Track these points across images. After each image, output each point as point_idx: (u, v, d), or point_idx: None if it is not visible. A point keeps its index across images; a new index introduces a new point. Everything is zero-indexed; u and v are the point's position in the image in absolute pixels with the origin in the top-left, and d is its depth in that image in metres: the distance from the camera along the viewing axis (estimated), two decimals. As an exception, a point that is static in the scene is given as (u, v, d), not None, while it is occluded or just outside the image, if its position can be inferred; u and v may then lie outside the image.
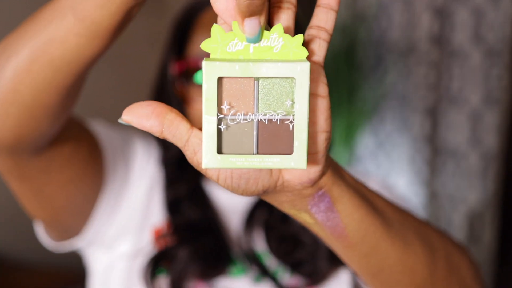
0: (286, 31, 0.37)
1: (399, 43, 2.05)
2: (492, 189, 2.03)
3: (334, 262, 0.75)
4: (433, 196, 2.08)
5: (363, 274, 0.50)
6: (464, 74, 1.99)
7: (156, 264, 0.75)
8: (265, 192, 0.39)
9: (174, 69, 0.80)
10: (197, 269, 0.74)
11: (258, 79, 0.35)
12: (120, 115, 0.36)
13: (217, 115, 0.35)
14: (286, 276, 0.76)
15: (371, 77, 2.10)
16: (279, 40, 0.35)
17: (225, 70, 0.34)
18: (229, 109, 0.35)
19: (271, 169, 0.38)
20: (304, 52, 0.36)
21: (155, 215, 0.80)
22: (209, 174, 0.37)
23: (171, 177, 0.82)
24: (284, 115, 0.36)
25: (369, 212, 0.45)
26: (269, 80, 0.35)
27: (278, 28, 0.35)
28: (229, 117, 0.36)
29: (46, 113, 0.53)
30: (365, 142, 2.15)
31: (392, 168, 2.12)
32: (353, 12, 2.10)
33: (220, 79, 0.35)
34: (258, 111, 0.36)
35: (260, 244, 0.79)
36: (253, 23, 0.34)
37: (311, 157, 0.38)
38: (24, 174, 0.62)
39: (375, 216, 0.46)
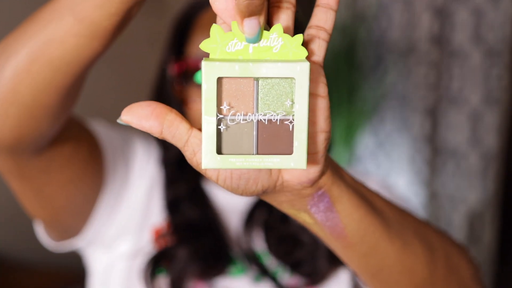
0: (285, 31, 0.37)
1: (399, 43, 2.05)
2: (492, 189, 2.03)
3: (334, 262, 0.75)
4: (433, 196, 2.08)
5: (363, 274, 0.50)
6: (464, 74, 1.99)
7: (156, 264, 0.75)
8: (265, 192, 0.39)
9: (173, 69, 0.80)
10: (196, 269, 0.74)
11: (257, 79, 0.35)
12: (120, 115, 0.36)
13: (217, 116, 0.35)
14: (285, 276, 0.76)
15: (371, 77, 2.10)
16: (279, 40, 0.35)
17: (225, 70, 0.34)
18: (229, 109, 0.35)
19: (270, 169, 0.38)
20: (304, 52, 0.35)
21: (155, 215, 0.80)
22: (209, 174, 0.37)
23: (171, 177, 0.82)
24: (283, 115, 0.36)
25: (369, 212, 0.45)
26: (269, 80, 0.35)
27: (277, 28, 0.35)
28: (228, 118, 0.35)
29: (46, 113, 0.53)
30: (365, 142, 2.15)
31: (392, 168, 2.12)
32: (353, 12, 2.10)
33: (219, 79, 0.35)
34: (257, 111, 0.36)
35: (259, 244, 0.79)
36: (253, 23, 0.34)
37: (311, 157, 0.38)
38: (24, 174, 0.62)
39: (374, 216, 0.46)
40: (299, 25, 0.50)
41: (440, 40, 2.01)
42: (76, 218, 0.74)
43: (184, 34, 0.82)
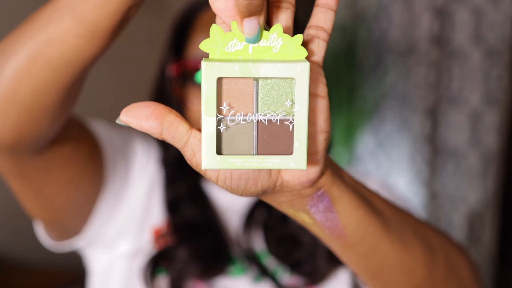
0: (285, 31, 0.37)
1: (399, 43, 2.05)
2: (492, 189, 2.03)
3: (334, 262, 0.75)
4: (433, 196, 2.08)
5: (362, 274, 0.50)
6: (464, 74, 1.99)
7: (156, 264, 0.75)
8: (264, 192, 0.39)
9: (172, 70, 0.80)
10: (196, 269, 0.74)
11: (257, 80, 0.35)
12: (119, 115, 0.36)
13: (217, 116, 0.35)
14: (285, 276, 0.76)
15: (371, 77, 2.10)
16: (278, 40, 0.35)
17: (225, 70, 0.34)
18: (229, 109, 0.35)
19: (270, 170, 0.38)
20: (304, 52, 0.35)
21: (155, 215, 0.80)
22: (209, 175, 0.37)
23: (171, 177, 0.82)
24: (283, 116, 0.36)
25: (368, 212, 0.45)
26: (269, 81, 0.35)
27: (277, 28, 0.35)
28: (228, 118, 0.35)
29: (46, 113, 0.53)
30: (365, 142, 2.15)
31: (392, 168, 2.12)
32: (353, 12, 2.10)
33: (219, 80, 0.35)
34: (257, 112, 0.36)
35: (259, 244, 0.79)
36: (252, 23, 0.34)
37: (311, 157, 0.38)
38: (24, 174, 0.62)
39: (374, 216, 0.46)
40: (298, 25, 0.50)
41: (440, 40, 2.01)
42: (76, 218, 0.74)
43: (184, 34, 0.82)
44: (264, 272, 0.76)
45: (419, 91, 2.03)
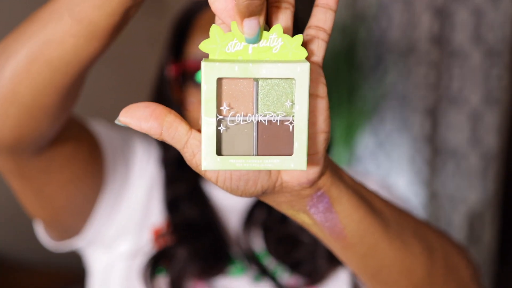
0: (285, 31, 0.37)
1: (399, 43, 2.05)
2: (492, 189, 2.03)
3: (333, 262, 0.75)
4: (433, 196, 2.08)
5: (362, 274, 0.50)
6: (464, 74, 1.99)
7: (156, 264, 0.75)
8: (264, 193, 0.39)
9: (172, 70, 0.80)
10: (196, 269, 0.74)
11: (257, 80, 0.35)
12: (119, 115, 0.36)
13: (217, 117, 0.35)
14: (285, 276, 0.76)
15: (371, 77, 2.10)
16: (278, 40, 0.35)
17: (224, 71, 0.34)
18: (229, 110, 0.35)
19: (270, 170, 0.38)
20: (304, 53, 0.35)
21: (155, 214, 0.80)
22: (208, 176, 0.37)
23: (171, 177, 0.82)
24: (283, 116, 0.36)
25: (368, 212, 0.45)
26: (269, 81, 0.35)
27: (277, 28, 0.35)
28: (228, 119, 0.35)
29: (46, 113, 0.53)
30: (365, 142, 2.15)
31: (392, 168, 2.12)
32: (353, 12, 2.10)
33: (219, 80, 0.35)
34: (257, 112, 0.35)
35: (259, 244, 0.79)
36: (252, 24, 0.34)
37: (310, 158, 0.38)
38: (24, 174, 0.62)
39: (373, 216, 0.46)
40: (298, 25, 0.50)
41: (440, 40, 2.01)
42: (76, 218, 0.74)
43: (183, 34, 0.82)
44: (264, 272, 0.76)
45: (419, 91, 2.03)
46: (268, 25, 0.37)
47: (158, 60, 0.86)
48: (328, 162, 0.41)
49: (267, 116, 0.35)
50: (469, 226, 2.05)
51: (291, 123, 0.36)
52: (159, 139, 0.36)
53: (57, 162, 0.64)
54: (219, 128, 0.35)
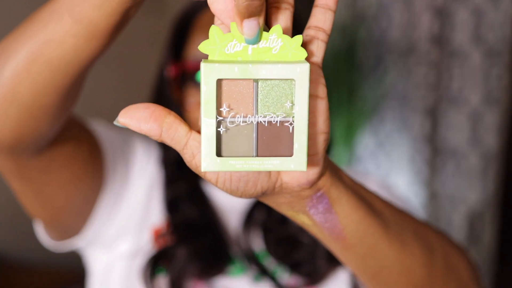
0: (284, 32, 0.37)
1: (399, 43, 2.05)
2: (492, 189, 2.03)
3: (333, 262, 0.75)
4: (433, 196, 2.08)
5: (361, 275, 0.50)
6: (464, 74, 1.99)
7: (156, 264, 0.75)
8: (264, 194, 0.39)
9: (171, 71, 0.80)
10: (196, 269, 0.74)
11: (257, 81, 0.35)
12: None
13: (216, 118, 0.35)
14: (285, 276, 0.76)
15: (371, 77, 2.10)
16: (278, 41, 0.35)
17: (224, 72, 0.34)
18: (228, 111, 0.35)
19: (269, 171, 0.38)
20: (303, 53, 0.35)
21: (155, 214, 0.80)
22: (208, 177, 0.37)
23: (171, 177, 0.82)
24: (283, 117, 0.36)
25: (368, 213, 0.45)
26: (268, 82, 0.35)
27: (277, 29, 0.35)
28: (228, 120, 0.35)
29: (46, 113, 0.53)
30: (365, 142, 2.15)
31: (392, 168, 2.12)
32: (353, 12, 2.10)
33: (219, 81, 0.35)
34: (257, 113, 0.35)
35: (259, 244, 0.79)
36: (252, 24, 0.34)
37: (310, 158, 0.38)
38: (24, 174, 0.62)
39: (373, 217, 0.46)
40: (297, 26, 0.50)
41: (440, 40, 2.01)
42: (76, 218, 0.74)
43: (183, 35, 0.82)
44: (263, 272, 0.76)
45: (419, 91, 2.03)
46: (267, 25, 0.37)
47: (158, 60, 0.86)
48: (328, 163, 0.41)
49: (267, 117, 0.35)
50: (469, 226, 2.05)
51: (291, 124, 0.36)
52: (159, 140, 0.36)
53: (57, 162, 0.64)
54: (218, 129, 0.35)
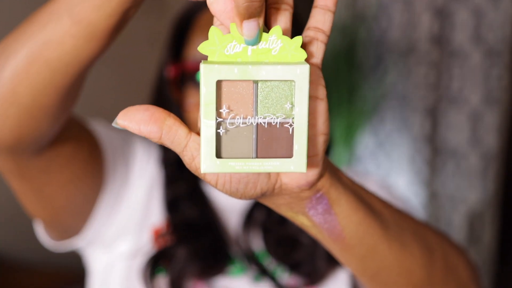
0: (284, 33, 0.37)
1: (399, 43, 2.05)
2: (492, 189, 2.03)
3: (333, 262, 0.75)
4: (433, 196, 2.08)
5: (361, 276, 0.50)
6: (464, 74, 1.99)
7: (156, 264, 0.75)
8: (263, 195, 0.39)
9: (171, 72, 0.80)
10: (196, 269, 0.74)
11: (257, 82, 0.35)
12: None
13: (216, 119, 0.35)
14: (285, 276, 0.76)
15: (371, 77, 2.10)
16: (278, 42, 0.35)
17: (224, 73, 0.34)
18: (228, 112, 0.35)
19: (269, 172, 0.38)
20: (303, 54, 0.35)
21: (155, 214, 0.80)
22: (208, 178, 0.37)
23: (171, 177, 0.82)
24: (283, 118, 0.35)
25: (367, 214, 0.45)
26: (268, 83, 0.35)
27: (276, 30, 0.35)
28: (228, 121, 0.35)
29: (45, 114, 0.53)
30: (365, 142, 2.15)
31: (392, 168, 2.12)
32: (353, 12, 2.10)
33: (218, 83, 0.35)
34: (257, 115, 0.35)
35: (258, 244, 0.79)
36: (252, 25, 0.34)
37: (310, 159, 0.38)
38: (24, 174, 0.62)
39: (373, 218, 0.46)
40: (297, 26, 0.50)
41: (440, 40, 2.01)
42: (76, 218, 0.74)
43: (183, 35, 0.82)
44: (263, 272, 0.76)
45: (419, 91, 2.03)
46: (267, 26, 0.37)
47: (158, 60, 0.86)
48: (327, 164, 0.41)
49: (267, 118, 0.35)
50: (469, 226, 2.05)
51: (290, 125, 0.35)
52: (159, 142, 0.36)
53: (57, 162, 0.64)
54: (218, 130, 0.35)
